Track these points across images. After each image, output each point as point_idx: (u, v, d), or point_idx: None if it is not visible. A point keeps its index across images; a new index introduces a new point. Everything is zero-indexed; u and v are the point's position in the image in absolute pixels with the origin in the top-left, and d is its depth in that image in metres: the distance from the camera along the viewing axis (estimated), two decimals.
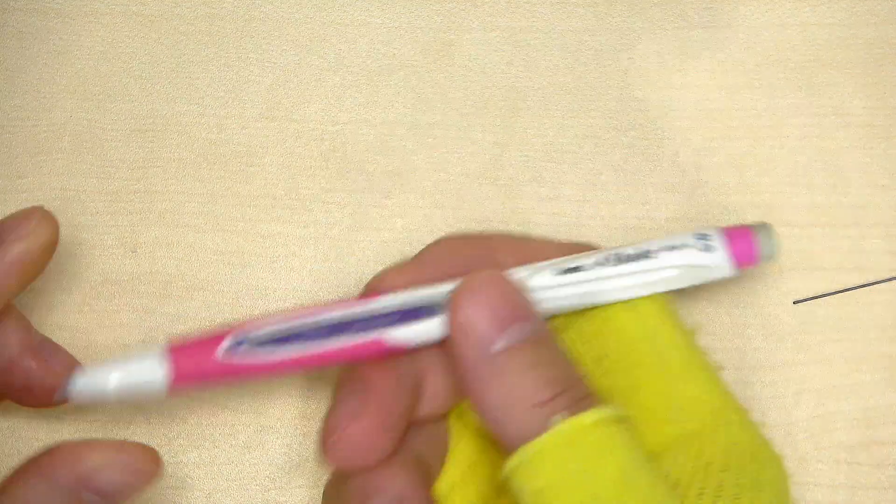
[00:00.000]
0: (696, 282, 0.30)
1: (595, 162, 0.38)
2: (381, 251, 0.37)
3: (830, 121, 0.38)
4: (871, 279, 0.36)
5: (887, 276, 0.36)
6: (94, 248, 0.37)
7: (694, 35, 0.39)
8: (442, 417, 0.31)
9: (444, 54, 0.39)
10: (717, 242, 0.31)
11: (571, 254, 0.31)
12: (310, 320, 0.29)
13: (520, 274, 0.30)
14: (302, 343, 0.29)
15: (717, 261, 0.30)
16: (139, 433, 0.35)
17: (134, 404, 0.31)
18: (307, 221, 0.37)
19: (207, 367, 0.29)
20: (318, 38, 0.39)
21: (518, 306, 0.28)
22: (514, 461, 0.27)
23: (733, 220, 0.36)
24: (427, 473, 0.30)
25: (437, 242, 0.32)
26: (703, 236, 0.31)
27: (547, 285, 0.30)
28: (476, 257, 0.31)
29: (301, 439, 0.35)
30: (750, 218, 0.36)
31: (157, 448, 0.35)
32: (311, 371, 0.30)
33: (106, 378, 0.28)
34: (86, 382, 0.29)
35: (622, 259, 0.30)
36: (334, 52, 0.39)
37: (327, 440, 0.29)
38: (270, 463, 0.35)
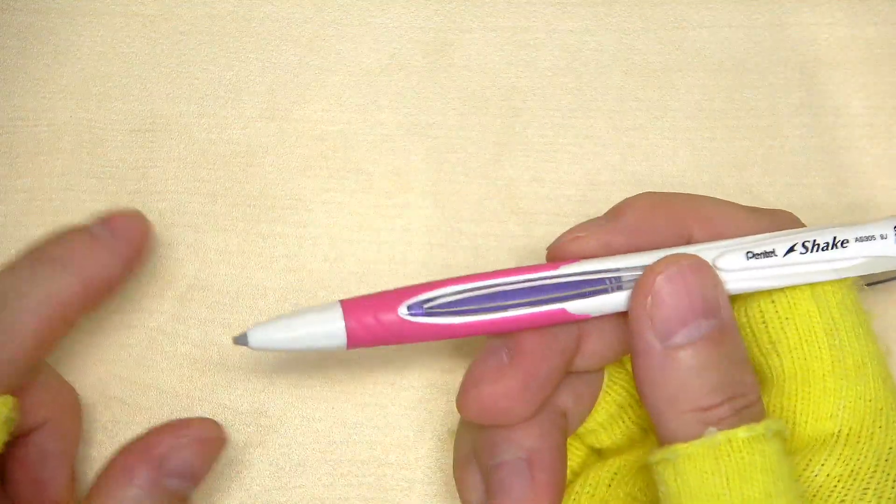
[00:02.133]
0: (885, 268, 0.30)
1: (595, 162, 0.38)
2: (381, 251, 0.37)
3: (830, 121, 0.38)
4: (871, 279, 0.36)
5: (887, 276, 0.36)
6: None
7: (693, 35, 0.39)
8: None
9: (444, 54, 0.39)
10: None
11: (768, 224, 0.30)
12: (494, 287, 0.29)
13: (710, 254, 0.29)
14: (483, 310, 0.29)
15: None
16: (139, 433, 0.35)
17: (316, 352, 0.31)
18: (307, 221, 0.37)
19: (387, 326, 0.29)
20: (318, 38, 0.39)
21: (707, 300, 0.28)
22: (660, 455, 0.27)
23: None
24: (564, 425, 0.30)
25: (635, 199, 0.31)
26: None
27: (736, 268, 0.29)
28: (669, 228, 0.30)
29: (301, 439, 0.35)
30: None
31: None
32: (493, 334, 0.30)
33: (277, 332, 0.29)
34: (265, 333, 0.29)
35: (815, 247, 0.30)
36: (334, 52, 0.39)
37: (464, 396, 0.29)
38: (270, 463, 0.35)
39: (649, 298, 0.28)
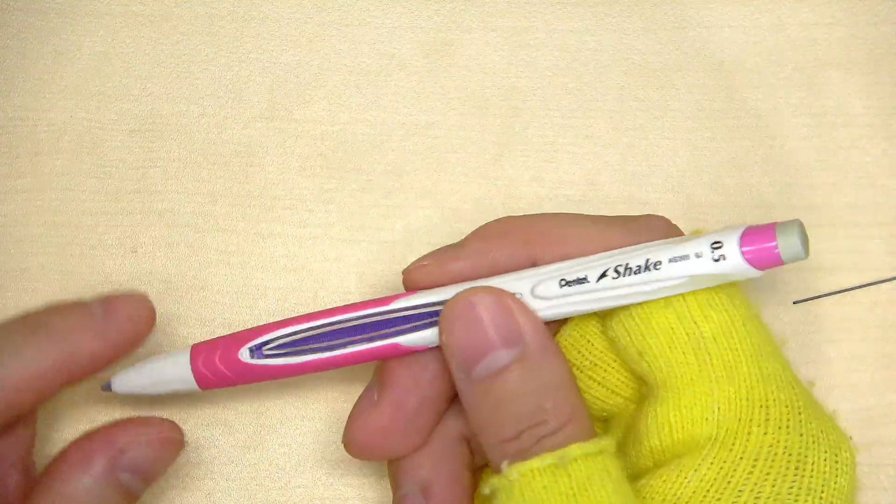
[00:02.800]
0: (709, 285, 0.29)
1: (595, 162, 0.38)
2: (381, 251, 0.37)
3: (830, 121, 0.38)
4: (871, 279, 0.36)
5: (887, 276, 0.36)
6: (94, 248, 0.37)
7: (693, 35, 0.39)
8: None
9: (444, 54, 0.39)
10: (731, 250, 0.28)
11: (620, 239, 0.30)
12: (327, 325, 0.31)
13: (528, 283, 0.30)
14: (320, 349, 0.31)
15: (730, 269, 0.28)
16: None
17: (171, 395, 0.32)
18: (307, 221, 0.37)
19: (230, 369, 0.31)
20: (318, 38, 0.39)
21: (503, 331, 0.28)
22: (489, 490, 0.28)
23: (732, 220, 0.36)
24: (463, 452, 0.31)
25: (486, 225, 0.31)
26: (717, 244, 0.29)
27: (552, 295, 0.30)
28: (514, 253, 0.30)
29: (301, 439, 0.35)
30: (750, 218, 0.36)
31: None
32: (332, 370, 0.31)
33: (137, 377, 0.32)
34: (126, 379, 0.32)
35: (627, 272, 0.29)
36: (334, 52, 0.39)
37: (345, 436, 0.30)
38: (270, 463, 0.35)
39: (442, 336, 0.29)
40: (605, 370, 0.31)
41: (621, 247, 0.30)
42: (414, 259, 0.31)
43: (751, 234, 0.28)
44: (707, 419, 0.28)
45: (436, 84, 0.39)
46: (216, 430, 0.35)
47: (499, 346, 0.28)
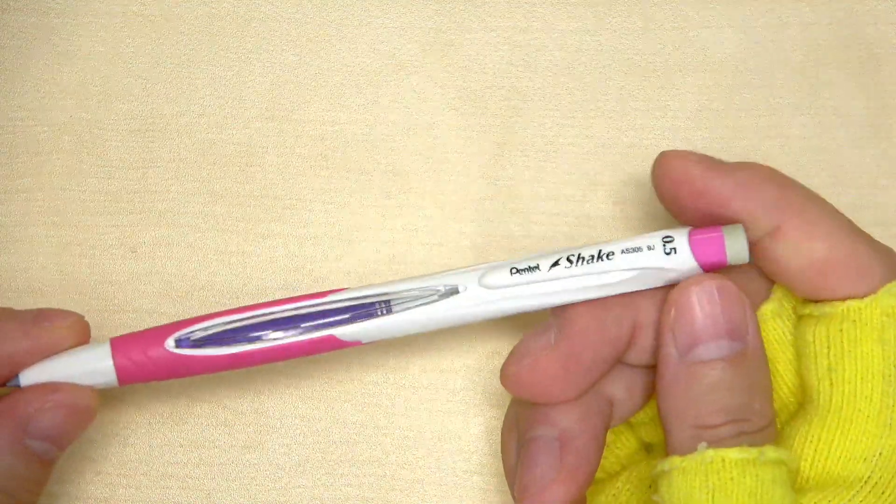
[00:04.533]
0: (658, 283, 0.30)
1: (595, 162, 0.38)
2: (381, 251, 0.37)
3: (830, 121, 0.38)
4: None
5: None
6: (94, 248, 0.37)
7: (693, 35, 0.39)
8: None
9: (444, 54, 0.39)
10: (682, 245, 0.29)
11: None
12: (259, 316, 0.30)
13: (476, 273, 0.30)
14: (251, 339, 0.30)
15: (678, 264, 0.29)
16: (139, 434, 0.35)
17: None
18: (307, 221, 0.37)
19: (154, 360, 0.30)
20: (318, 38, 0.39)
21: (732, 322, 0.28)
22: (659, 467, 0.28)
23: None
24: (608, 414, 0.30)
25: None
26: (668, 238, 0.30)
27: (502, 284, 0.30)
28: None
29: (301, 439, 0.35)
30: None
31: (157, 448, 0.35)
32: (266, 364, 0.30)
33: (49, 371, 0.30)
34: (35, 374, 0.30)
35: (579, 261, 0.30)
36: (334, 52, 0.39)
37: (506, 370, 0.30)
38: (270, 463, 0.35)
39: (672, 311, 0.28)
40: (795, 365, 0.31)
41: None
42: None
43: (700, 233, 0.30)
44: (866, 459, 0.28)
45: (436, 84, 0.39)
46: (216, 430, 0.35)
47: (725, 335, 0.28)
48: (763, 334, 0.30)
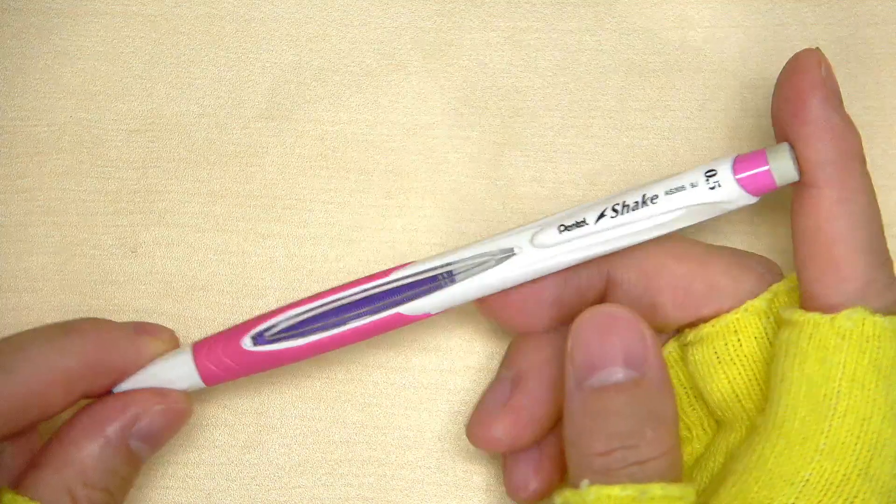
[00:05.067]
0: (712, 215, 0.30)
1: (595, 162, 0.38)
2: (381, 251, 0.37)
3: None
4: None
5: None
6: (94, 248, 0.37)
7: (693, 35, 0.39)
8: None
9: (444, 54, 0.39)
10: (725, 176, 0.29)
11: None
12: (327, 304, 0.31)
13: (527, 234, 0.30)
14: (323, 328, 0.31)
15: (726, 196, 0.29)
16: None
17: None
18: (307, 221, 0.37)
19: (234, 360, 0.31)
20: (318, 38, 0.39)
21: (627, 351, 0.28)
22: (557, 499, 0.28)
23: (733, 220, 0.36)
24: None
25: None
26: (711, 172, 0.29)
27: (552, 242, 0.30)
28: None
29: (301, 439, 0.35)
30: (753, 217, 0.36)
31: None
32: (339, 348, 0.31)
33: (140, 381, 0.31)
34: (131, 382, 0.31)
35: (624, 209, 0.30)
36: (334, 52, 0.39)
37: (469, 430, 0.32)
38: (270, 463, 0.35)
39: (570, 341, 0.29)
40: (740, 372, 0.30)
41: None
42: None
43: (743, 161, 0.30)
44: (793, 484, 0.27)
45: (436, 84, 0.39)
46: (216, 430, 0.35)
47: (620, 363, 0.28)
48: (738, 326, 0.30)
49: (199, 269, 0.37)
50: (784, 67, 0.30)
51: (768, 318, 0.30)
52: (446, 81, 0.39)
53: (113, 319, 0.35)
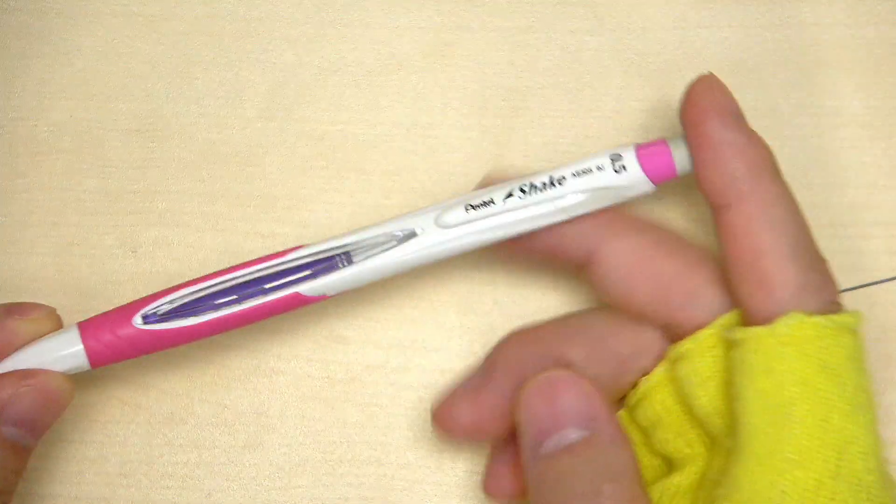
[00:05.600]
0: (613, 202, 0.30)
1: None
2: None
3: (830, 121, 0.38)
4: (871, 279, 0.36)
5: (887, 277, 0.36)
6: (94, 248, 0.37)
7: (693, 35, 0.39)
8: None
9: (444, 54, 0.39)
10: (630, 161, 0.30)
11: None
12: (226, 282, 0.30)
13: (432, 214, 0.30)
14: (217, 307, 0.30)
15: (630, 180, 0.30)
16: (139, 433, 0.35)
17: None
18: (307, 221, 0.37)
19: (124, 339, 0.30)
20: (318, 38, 0.39)
21: (574, 411, 0.28)
22: None
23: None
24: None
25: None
26: (616, 156, 0.30)
27: (459, 222, 0.30)
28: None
29: (301, 439, 0.35)
30: None
31: (156, 448, 0.35)
32: (235, 328, 0.31)
33: (23, 359, 0.30)
34: (7, 365, 0.30)
35: (532, 189, 0.30)
36: (334, 52, 0.39)
37: (433, 412, 0.31)
38: (270, 463, 0.35)
39: (519, 413, 0.29)
40: (666, 437, 0.30)
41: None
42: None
43: (646, 148, 0.31)
44: (770, 499, 0.27)
45: (436, 84, 0.39)
46: (216, 430, 0.35)
47: (569, 424, 0.28)
48: (653, 401, 0.30)
49: (199, 269, 0.37)
50: (681, 100, 0.31)
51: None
52: (446, 81, 0.39)
53: (24, 303, 0.35)
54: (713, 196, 0.30)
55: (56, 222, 0.37)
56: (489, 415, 0.30)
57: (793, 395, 0.27)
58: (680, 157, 0.30)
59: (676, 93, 0.38)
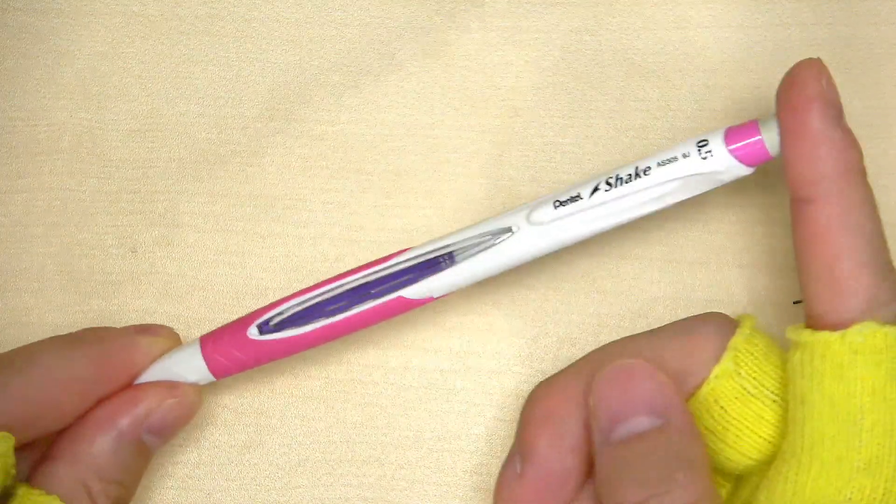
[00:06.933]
0: (708, 187, 0.30)
1: (595, 162, 0.38)
2: (380, 251, 0.37)
3: None
4: None
5: None
6: (94, 248, 0.37)
7: (693, 35, 0.39)
8: None
9: (444, 54, 0.39)
10: (718, 146, 0.29)
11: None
12: (330, 291, 0.31)
13: (523, 212, 0.30)
14: (327, 314, 0.31)
15: (718, 165, 0.29)
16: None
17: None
18: (307, 221, 0.37)
19: (241, 350, 0.31)
20: (318, 38, 0.39)
21: (648, 400, 0.28)
22: None
23: (733, 220, 0.36)
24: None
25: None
26: (703, 142, 0.29)
27: (549, 219, 0.30)
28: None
29: (301, 439, 0.35)
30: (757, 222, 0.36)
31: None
32: (346, 335, 0.32)
33: (154, 377, 0.32)
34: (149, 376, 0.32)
35: (618, 182, 0.30)
36: (334, 52, 0.39)
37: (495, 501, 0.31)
38: (270, 463, 0.35)
39: (591, 399, 0.28)
40: (738, 435, 0.30)
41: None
42: None
43: (734, 131, 0.30)
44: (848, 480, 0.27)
45: (436, 84, 0.39)
46: (216, 430, 0.35)
47: (643, 412, 0.28)
48: (719, 394, 0.29)
49: (199, 269, 0.37)
50: (783, 78, 0.30)
51: (739, 374, 0.30)
52: (446, 81, 0.39)
53: (113, 319, 0.36)
54: (798, 187, 0.29)
55: (56, 222, 0.37)
56: (547, 492, 0.30)
57: (863, 404, 0.27)
58: (772, 140, 0.29)
59: (677, 93, 0.38)
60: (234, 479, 0.35)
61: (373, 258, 0.36)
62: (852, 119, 0.38)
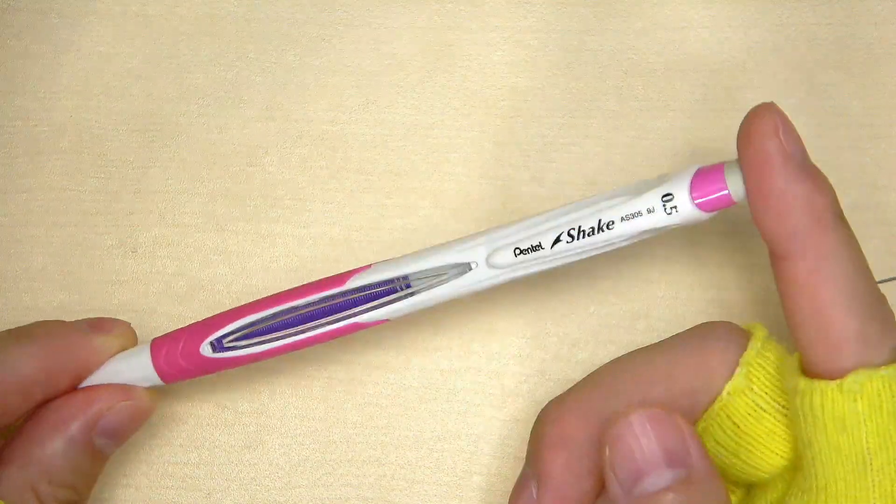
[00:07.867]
0: (663, 232, 0.30)
1: (595, 162, 0.38)
2: (380, 251, 0.37)
3: (830, 121, 0.38)
4: None
5: (887, 276, 0.36)
6: (94, 248, 0.37)
7: (693, 35, 0.39)
8: None
9: (444, 54, 0.39)
10: (684, 201, 0.29)
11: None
12: (286, 312, 0.31)
13: (483, 251, 0.30)
14: (282, 336, 0.31)
15: (681, 220, 0.29)
16: (139, 434, 0.35)
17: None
18: (307, 221, 0.37)
19: (192, 364, 0.31)
20: (319, 38, 0.39)
21: (670, 450, 0.27)
22: None
23: (733, 220, 0.36)
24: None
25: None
26: (668, 196, 0.29)
27: (506, 264, 0.30)
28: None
29: (301, 439, 0.35)
30: None
31: (157, 448, 0.35)
32: (296, 351, 0.32)
33: (99, 378, 0.31)
34: (93, 380, 0.31)
35: (580, 234, 0.30)
36: (334, 52, 0.39)
37: None
38: (270, 463, 0.35)
39: (607, 449, 0.28)
40: (750, 450, 0.30)
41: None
42: None
43: (700, 180, 0.29)
44: None
45: (436, 84, 0.39)
46: (216, 430, 0.35)
47: (663, 465, 0.27)
48: (731, 411, 0.29)
49: (199, 269, 0.37)
50: (740, 127, 0.29)
51: (752, 390, 0.29)
52: (446, 81, 0.39)
53: (103, 318, 0.35)
54: (771, 244, 0.29)
55: (56, 222, 0.37)
56: None
57: (870, 447, 0.27)
58: (737, 188, 0.29)
59: (676, 93, 0.38)
60: (234, 479, 0.35)
61: (373, 258, 0.37)
62: (852, 119, 0.38)
